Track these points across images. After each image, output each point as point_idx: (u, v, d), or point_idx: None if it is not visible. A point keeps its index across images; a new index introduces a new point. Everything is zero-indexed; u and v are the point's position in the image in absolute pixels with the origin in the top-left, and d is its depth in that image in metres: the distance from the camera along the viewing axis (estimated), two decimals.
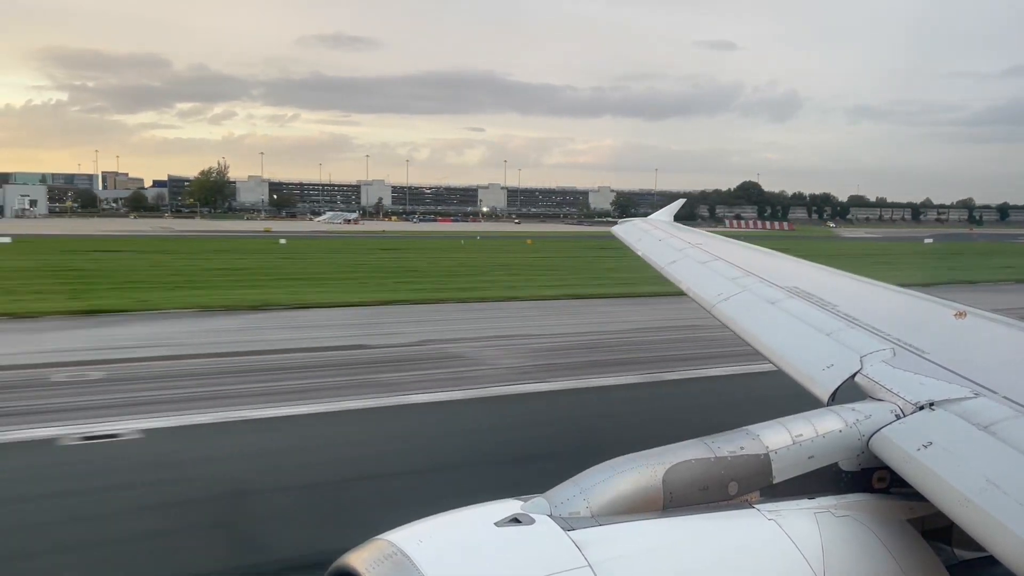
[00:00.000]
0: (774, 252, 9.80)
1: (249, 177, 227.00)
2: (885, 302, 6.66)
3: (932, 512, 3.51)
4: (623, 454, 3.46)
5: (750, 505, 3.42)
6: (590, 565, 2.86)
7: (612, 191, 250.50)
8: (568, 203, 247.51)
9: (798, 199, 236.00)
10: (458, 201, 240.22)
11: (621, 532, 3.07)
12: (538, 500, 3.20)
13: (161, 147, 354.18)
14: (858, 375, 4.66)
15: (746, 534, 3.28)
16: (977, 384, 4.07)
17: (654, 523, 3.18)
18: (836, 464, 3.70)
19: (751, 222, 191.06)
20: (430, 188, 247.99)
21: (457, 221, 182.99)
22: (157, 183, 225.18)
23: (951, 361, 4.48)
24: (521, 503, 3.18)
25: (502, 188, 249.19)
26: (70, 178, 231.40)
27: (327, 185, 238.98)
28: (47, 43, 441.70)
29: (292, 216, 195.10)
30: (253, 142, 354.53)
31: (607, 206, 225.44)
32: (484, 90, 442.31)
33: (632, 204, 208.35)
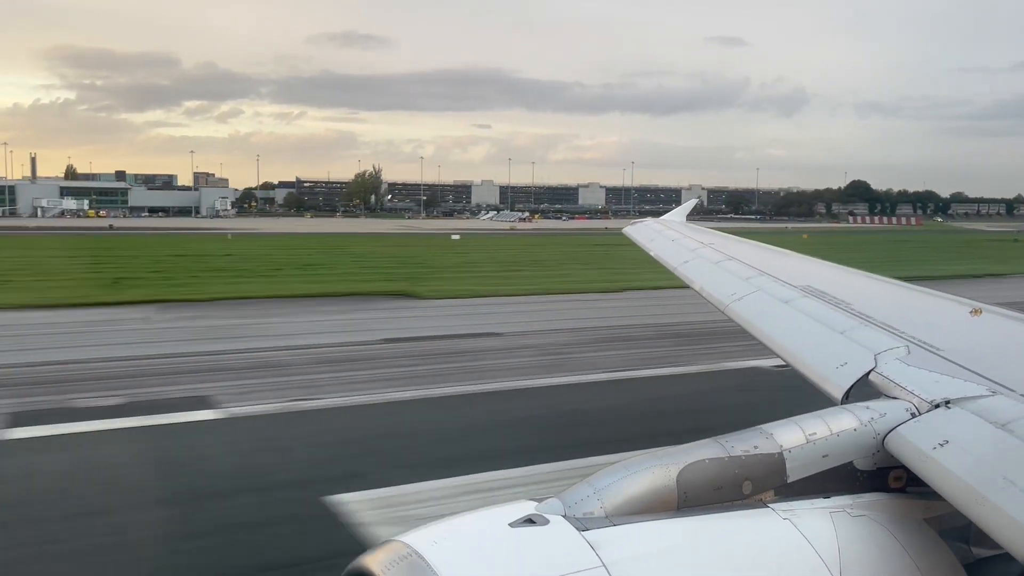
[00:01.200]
0: (787, 251, 9.77)
1: (437, 184, 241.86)
2: (899, 300, 6.63)
3: (949, 511, 3.49)
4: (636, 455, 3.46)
5: (764, 505, 3.41)
6: (605, 565, 2.86)
7: (703, 188, 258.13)
8: (655, 200, 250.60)
9: (903, 196, 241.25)
10: (550, 199, 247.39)
11: (635, 532, 3.06)
12: (552, 501, 3.20)
13: (167, 145, 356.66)
14: (872, 373, 4.63)
15: (761, 534, 3.26)
16: (993, 382, 4.03)
17: (668, 523, 3.17)
18: (851, 463, 3.68)
19: (862, 218, 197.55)
20: (533, 187, 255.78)
21: (591, 218, 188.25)
22: (283, 184, 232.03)
23: (967, 359, 4.45)
24: (535, 504, 3.18)
25: (601, 187, 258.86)
26: (150, 178, 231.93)
27: (440, 185, 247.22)
28: (57, 42, 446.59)
29: (447, 215, 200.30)
30: (259, 140, 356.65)
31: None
32: (493, 87, 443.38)
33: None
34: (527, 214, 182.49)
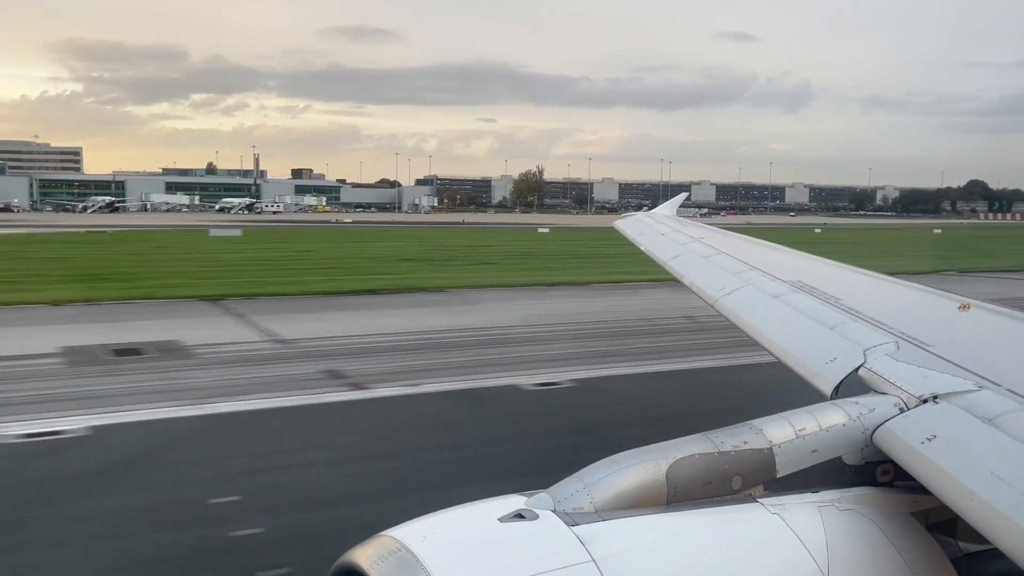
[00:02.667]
0: (776, 246, 9.78)
1: (502, 176, 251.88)
2: (888, 296, 6.65)
3: (937, 505, 3.51)
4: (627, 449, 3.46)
5: (754, 499, 3.42)
6: (594, 560, 2.86)
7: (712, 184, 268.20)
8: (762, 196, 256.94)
9: (1017, 194, 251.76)
10: (671, 194, 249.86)
11: (625, 527, 3.06)
12: (542, 496, 3.20)
13: (170, 138, 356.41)
14: (861, 369, 4.65)
15: (750, 528, 3.27)
16: (981, 377, 4.05)
17: (658, 518, 3.18)
18: (840, 458, 3.69)
19: (984, 214, 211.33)
20: (640, 184, 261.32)
21: (738, 215, 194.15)
22: (419, 182, 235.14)
23: (955, 354, 4.47)
24: (525, 499, 3.18)
25: (712, 184, 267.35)
26: (242, 173, 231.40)
27: (566, 183, 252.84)
28: (67, 35, 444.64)
29: (599, 211, 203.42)
30: (263, 133, 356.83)
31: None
32: (500, 81, 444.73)
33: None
34: (706, 210, 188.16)
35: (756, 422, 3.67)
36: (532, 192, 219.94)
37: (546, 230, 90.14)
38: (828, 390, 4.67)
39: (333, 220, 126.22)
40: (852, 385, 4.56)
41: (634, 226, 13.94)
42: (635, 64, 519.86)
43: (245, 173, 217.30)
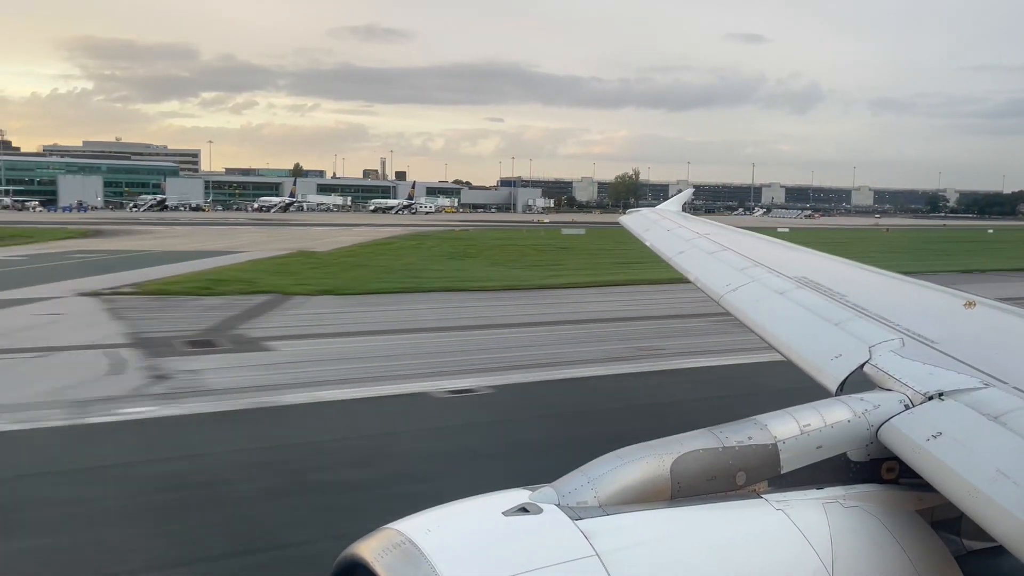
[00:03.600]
0: (782, 242, 9.75)
1: (583, 178, 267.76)
2: (894, 292, 6.63)
3: (941, 503, 3.50)
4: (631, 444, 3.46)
5: (758, 495, 3.41)
6: (598, 555, 2.87)
7: (782, 186, 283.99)
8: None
9: None
10: (760, 197, 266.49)
11: (629, 522, 3.06)
12: (546, 490, 3.20)
13: (178, 135, 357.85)
14: (867, 365, 4.64)
15: (754, 524, 3.27)
16: (987, 374, 4.04)
17: (662, 513, 3.17)
18: (845, 454, 3.68)
19: None
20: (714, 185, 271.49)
21: (826, 216, 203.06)
22: (504, 182, 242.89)
23: (961, 351, 4.45)
24: (529, 493, 3.18)
25: (781, 187, 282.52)
26: (306, 173, 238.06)
27: (722, 186, 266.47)
28: (80, 33, 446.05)
29: (708, 212, 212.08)
30: (271, 131, 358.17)
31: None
32: (510, 81, 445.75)
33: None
34: (810, 211, 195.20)
35: (760, 418, 3.66)
36: (630, 193, 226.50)
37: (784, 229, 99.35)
38: (833, 386, 4.66)
39: (535, 220, 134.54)
40: (857, 382, 4.55)
41: (640, 222, 13.91)
42: (646, 64, 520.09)
43: (368, 173, 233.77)
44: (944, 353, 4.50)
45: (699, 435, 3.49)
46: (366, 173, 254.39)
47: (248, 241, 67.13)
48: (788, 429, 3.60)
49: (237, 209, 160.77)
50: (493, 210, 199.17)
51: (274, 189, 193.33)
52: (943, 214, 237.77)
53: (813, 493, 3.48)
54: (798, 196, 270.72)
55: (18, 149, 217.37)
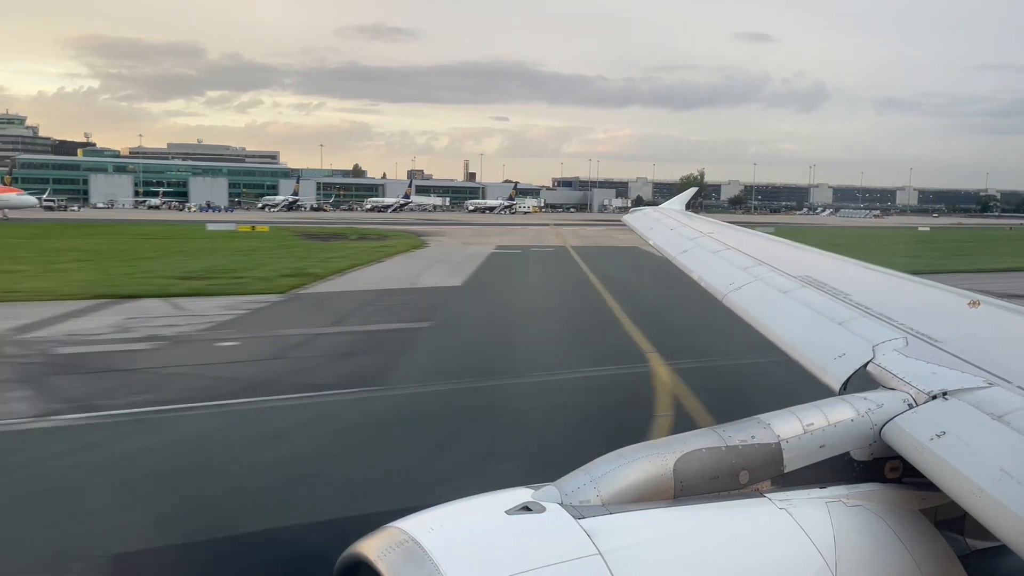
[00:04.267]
0: (786, 241, 9.75)
1: (637, 178, 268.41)
2: (898, 291, 6.62)
3: (945, 502, 3.50)
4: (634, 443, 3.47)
5: (761, 494, 3.41)
6: (600, 553, 2.87)
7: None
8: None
9: None
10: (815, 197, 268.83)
11: (631, 521, 3.07)
12: (549, 488, 3.20)
13: (182, 134, 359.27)
14: (870, 364, 4.63)
15: (757, 523, 3.27)
16: (991, 374, 4.03)
17: (665, 512, 3.18)
18: (848, 453, 3.68)
19: None
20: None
21: (885, 215, 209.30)
22: (561, 183, 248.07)
23: (964, 350, 4.44)
24: (532, 491, 3.18)
25: (829, 187, 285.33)
26: (346, 173, 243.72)
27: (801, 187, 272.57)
28: (88, 31, 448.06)
29: (787, 211, 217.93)
30: (275, 130, 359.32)
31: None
32: (515, 80, 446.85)
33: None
34: (878, 211, 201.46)
35: (763, 417, 3.66)
36: (697, 193, 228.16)
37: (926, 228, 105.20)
38: (836, 385, 4.66)
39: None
40: (860, 381, 4.54)
41: (643, 220, 13.91)
42: (651, 64, 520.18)
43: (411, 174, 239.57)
44: (948, 352, 4.49)
45: (702, 434, 3.50)
46: (411, 173, 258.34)
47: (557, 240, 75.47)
48: (791, 428, 3.60)
49: (348, 209, 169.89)
50: (572, 210, 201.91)
51: (375, 191, 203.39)
52: (996, 213, 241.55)
53: (816, 492, 3.48)
54: (844, 196, 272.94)
55: (95, 145, 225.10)
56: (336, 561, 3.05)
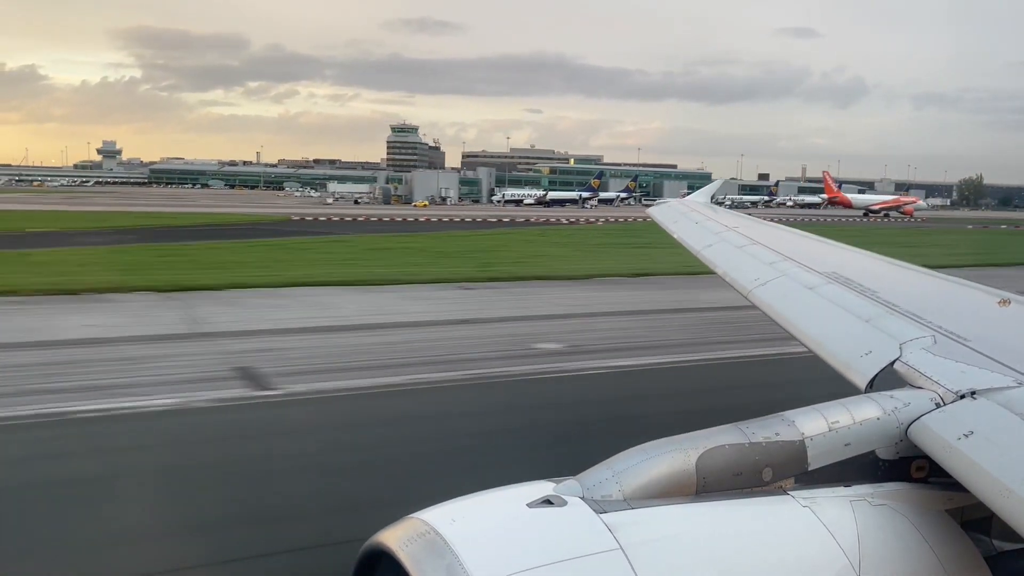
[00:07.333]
0: (813, 236, 9.64)
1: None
2: (926, 289, 6.53)
3: (972, 503, 3.45)
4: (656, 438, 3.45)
5: (784, 492, 3.39)
6: (621, 548, 2.87)
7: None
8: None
9: None
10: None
11: (653, 516, 3.06)
12: (570, 482, 3.20)
13: (216, 125, 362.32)
14: (897, 362, 4.58)
15: (780, 520, 3.25)
16: (1020, 373, 3.97)
17: (686, 508, 3.17)
18: (873, 452, 3.64)
19: None
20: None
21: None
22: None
23: (994, 349, 4.38)
24: (554, 485, 3.19)
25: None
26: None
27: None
28: (136, 23, 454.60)
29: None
30: (308, 120, 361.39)
31: None
32: (554, 73, 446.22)
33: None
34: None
35: (788, 414, 3.63)
36: (978, 194, 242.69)
37: None
38: (863, 383, 4.61)
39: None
40: (887, 379, 4.49)
41: (668, 213, 13.80)
42: (693, 57, 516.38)
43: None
44: (977, 351, 4.42)
45: (725, 430, 3.48)
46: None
47: None
48: (816, 426, 3.57)
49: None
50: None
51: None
52: None
53: (841, 491, 3.45)
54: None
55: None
56: (358, 551, 3.08)
